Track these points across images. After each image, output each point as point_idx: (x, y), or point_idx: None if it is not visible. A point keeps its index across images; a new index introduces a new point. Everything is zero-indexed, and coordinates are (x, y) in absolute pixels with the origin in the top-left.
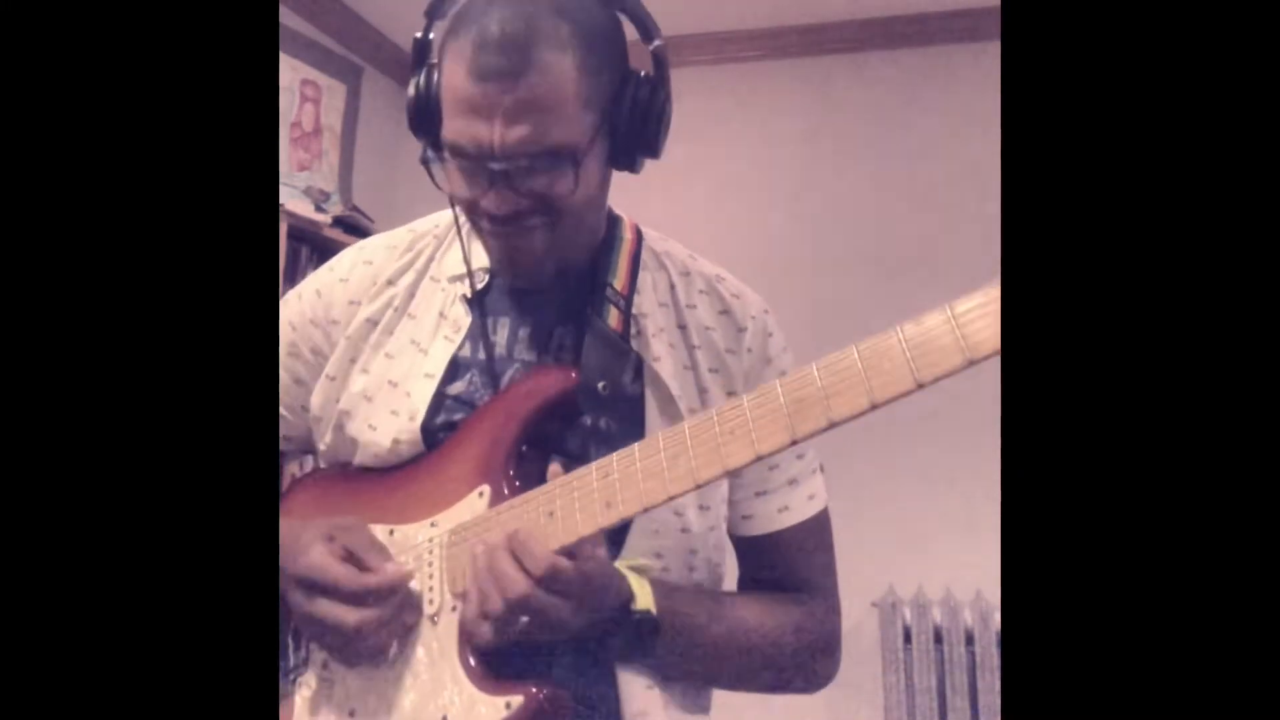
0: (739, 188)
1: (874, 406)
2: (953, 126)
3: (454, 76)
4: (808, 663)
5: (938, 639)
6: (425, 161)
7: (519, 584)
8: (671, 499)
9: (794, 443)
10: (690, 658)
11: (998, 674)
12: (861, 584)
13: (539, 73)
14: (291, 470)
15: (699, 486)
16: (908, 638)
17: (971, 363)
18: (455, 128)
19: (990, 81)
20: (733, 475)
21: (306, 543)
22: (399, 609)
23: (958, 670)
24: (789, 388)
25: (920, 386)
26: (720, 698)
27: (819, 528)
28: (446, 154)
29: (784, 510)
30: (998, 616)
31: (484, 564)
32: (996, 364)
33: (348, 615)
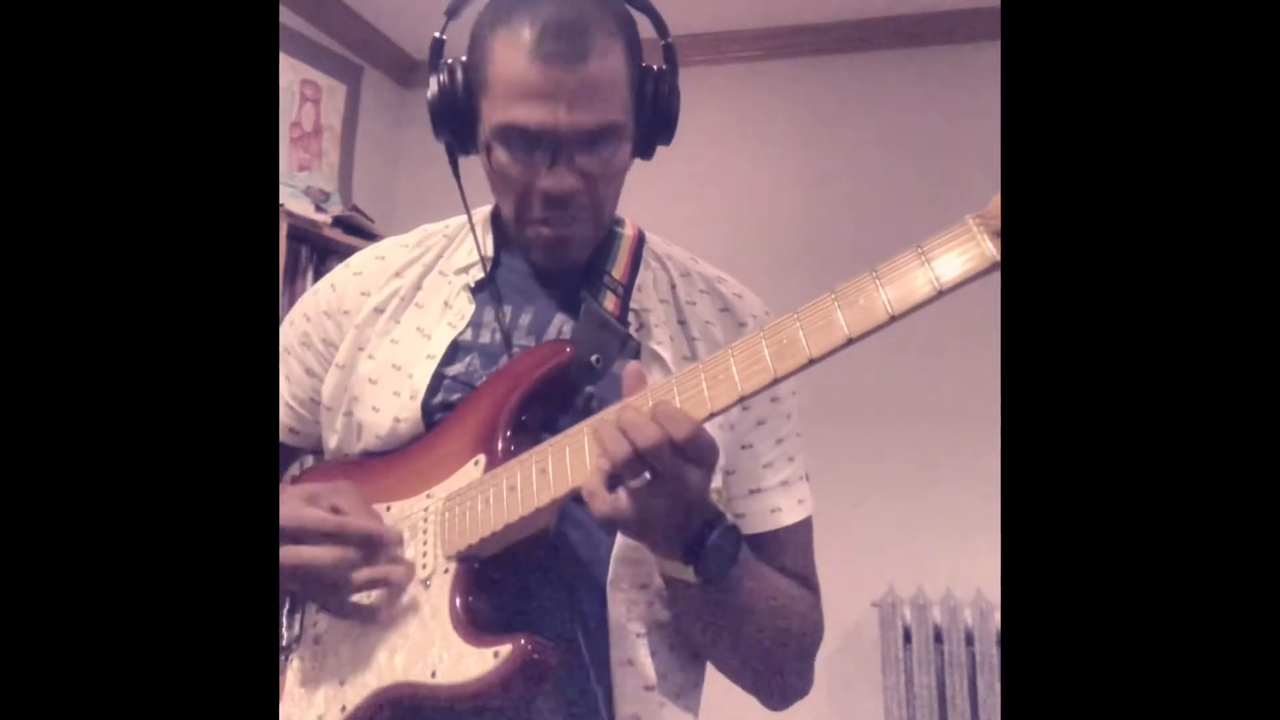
0: (738, 187)
1: (850, 341)
2: (952, 126)
3: (512, 63)
4: (805, 649)
5: (938, 639)
6: (454, 159)
7: (651, 433)
8: None
9: (775, 381)
10: (729, 606)
11: (998, 674)
12: (861, 584)
13: (598, 55)
14: (292, 472)
15: None
16: (908, 638)
17: (940, 292)
18: (516, 112)
19: (990, 81)
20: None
21: (283, 501)
22: (384, 556)
23: (958, 670)
24: (769, 332)
25: (893, 318)
26: (719, 698)
27: (805, 534)
28: (494, 142)
29: (776, 511)
30: (998, 616)
31: (612, 418)
32: (997, 364)
33: (324, 554)
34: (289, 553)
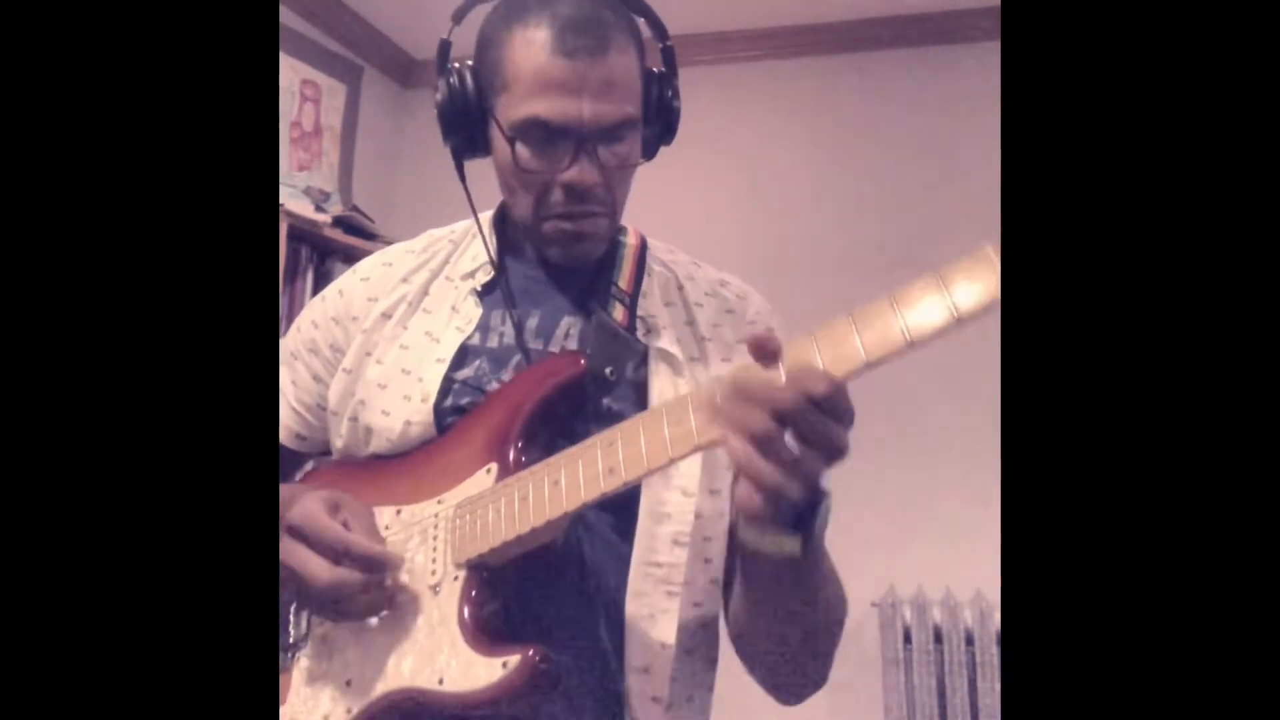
0: (738, 188)
1: (869, 366)
2: (953, 126)
3: (534, 58)
4: (839, 635)
5: (938, 639)
6: (461, 163)
7: (790, 394)
8: (673, 462)
9: None
10: (815, 576)
11: (998, 674)
12: (861, 584)
13: (616, 51)
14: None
15: (699, 449)
16: (908, 638)
17: (959, 321)
18: (540, 105)
19: (990, 81)
20: None
21: (307, 498)
22: (381, 581)
23: (958, 670)
24: (788, 352)
25: (911, 345)
26: (720, 699)
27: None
28: (516, 138)
29: None
30: (998, 616)
31: (740, 385)
32: (997, 365)
33: (323, 571)
34: (291, 552)
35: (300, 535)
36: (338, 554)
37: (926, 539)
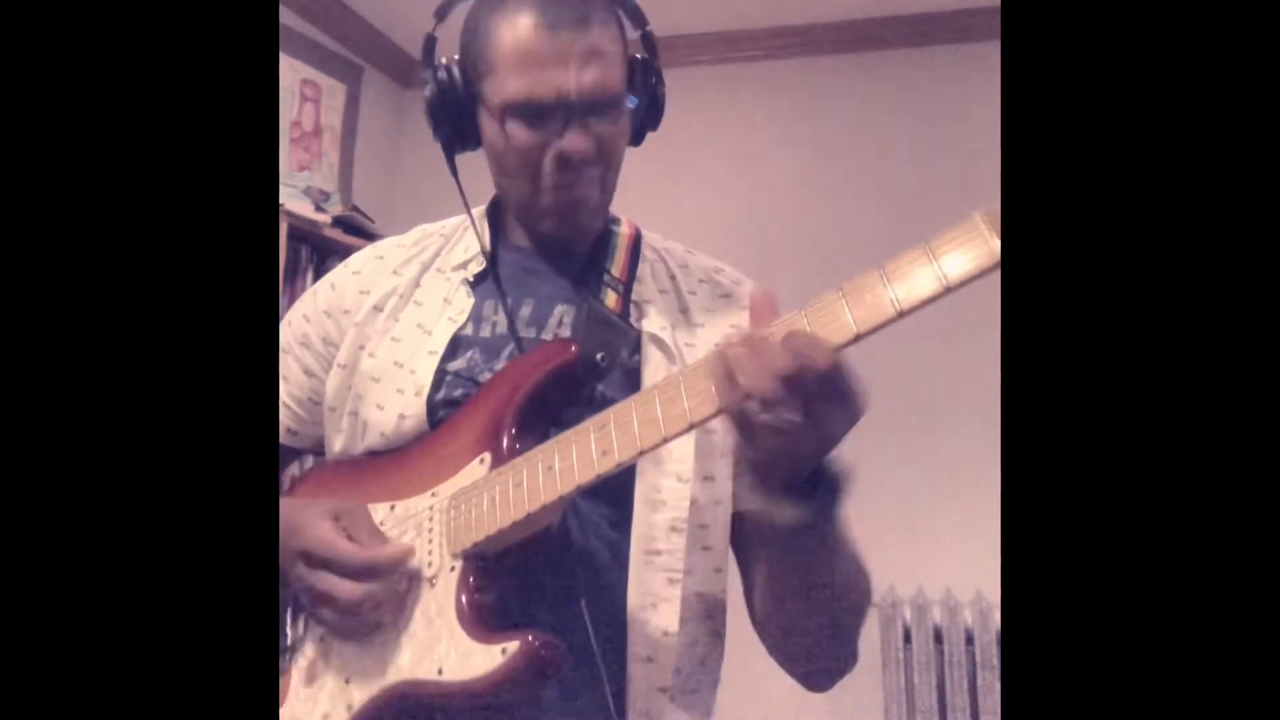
0: (737, 187)
1: (859, 337)
2: (952, 127)
3: (520, 36)
4: (856, 617)
5: (938, 639)
6: (452, 155)
7: (789, 362)
8: (666, 440)
9: None
10: (835, 546)
11: (998, 674)
12: None
13: (599, 24)
14: (291, 471)
15: (693, 427)
16: (908, 638)
17: (948, 289)
18: (528, 82)
19: (990, 81)
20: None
21: (312, 518)
22: (398, 586)
23: (958, 670)
24: (778, 329)
25: (901, 314)
26: (722, 698)
27: None
28: (507, 116)
29: None
30: (998, 616)
31: (742, 350)
32: (997, 365)
33: (350, 590)
34: (316, 578)
35: (322, 562)
36: (364, 573)
37: (926, 539)
